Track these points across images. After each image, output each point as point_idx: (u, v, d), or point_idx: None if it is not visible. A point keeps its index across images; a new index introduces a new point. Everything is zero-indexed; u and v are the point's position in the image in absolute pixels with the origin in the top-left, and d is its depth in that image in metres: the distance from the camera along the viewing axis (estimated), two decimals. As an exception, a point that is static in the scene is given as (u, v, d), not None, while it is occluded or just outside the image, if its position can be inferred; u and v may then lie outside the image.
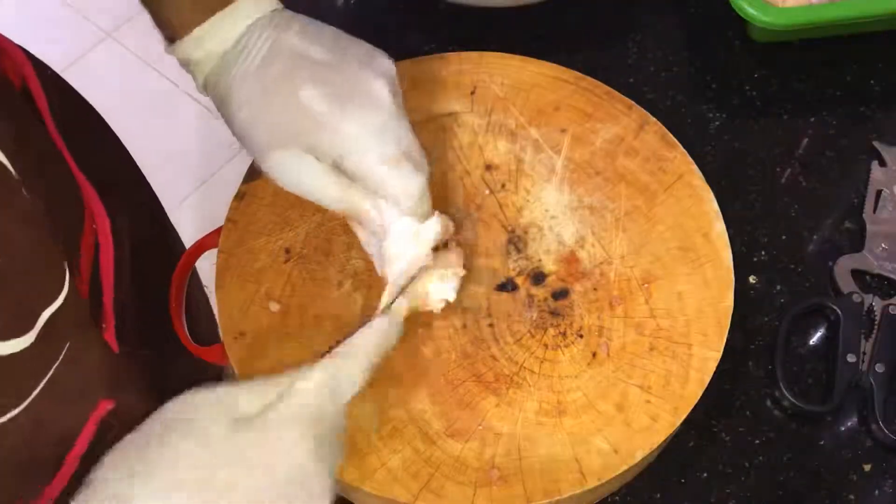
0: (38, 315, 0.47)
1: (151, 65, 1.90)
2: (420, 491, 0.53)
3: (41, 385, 0.48)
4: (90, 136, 0.71)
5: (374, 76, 0.54)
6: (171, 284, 0.64)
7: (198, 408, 0.45)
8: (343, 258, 0.61)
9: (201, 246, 0.65)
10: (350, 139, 0.52)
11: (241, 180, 0.64)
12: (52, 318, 0.48)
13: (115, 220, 0.62)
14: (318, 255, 0.61)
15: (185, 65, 0.56)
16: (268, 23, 0.55)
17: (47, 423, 0.50)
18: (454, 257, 0.58)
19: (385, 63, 0.55)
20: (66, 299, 0.49)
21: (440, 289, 0.56)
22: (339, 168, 0.53)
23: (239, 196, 0.63)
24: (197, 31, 0.54)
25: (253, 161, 0.57)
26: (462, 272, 0.58)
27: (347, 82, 0.54)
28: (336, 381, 0.48)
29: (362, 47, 0.56)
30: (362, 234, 0.58)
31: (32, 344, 0.46)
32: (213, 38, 0.55)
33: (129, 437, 0.44)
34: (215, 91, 0.56)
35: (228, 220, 0.62)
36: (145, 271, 0.67)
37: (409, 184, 0.53)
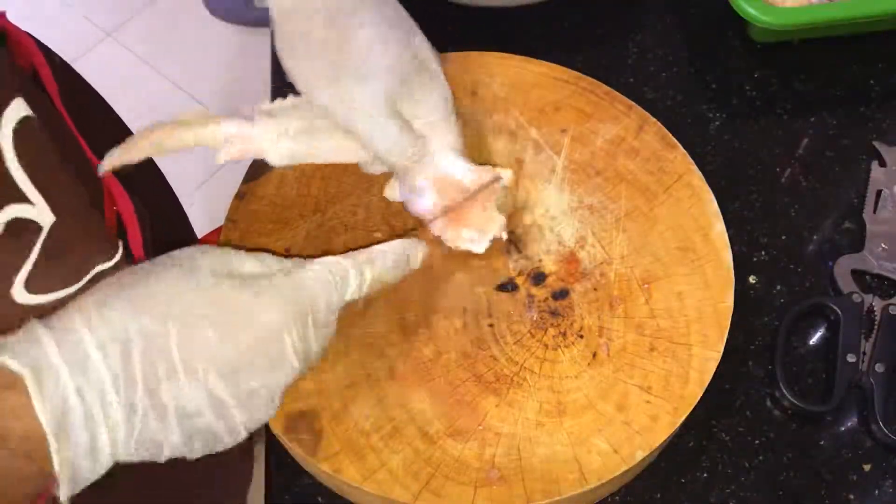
0: (91, 270, 0.48)
1: (151, 65, 1.90)
2: (420, 491, 0.53)
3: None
4: (101, 124, 0.72)
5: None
6: None
7: (202, 255, 0.46)
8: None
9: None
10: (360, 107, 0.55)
11: (241, 180, 0.64)
12: (98, 275, 0.49)
13: (137, 204, 0.63)
14: (318, 255, 0.61)
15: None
16: None
17: None
18: (498, 220, 0.59)
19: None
20: (118, 262, 0.50)
21: (472, 236, 0.58)
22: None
23: (239, 196, 0.63)
24: None
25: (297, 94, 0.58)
26: (501, 236, 0.59)
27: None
28: (337, 279, 0.49)
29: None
30: (392, 189, 0.60)
31: (76, 291, 0.48)
32: None
33: (136, 266, 0.46)
34: (303, 11, 0.56)
35: (228, 220, 0.62)
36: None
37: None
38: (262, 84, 0.82)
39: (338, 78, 0.55)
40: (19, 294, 0.47)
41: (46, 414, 0.40)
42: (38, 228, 0.47)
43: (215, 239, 0.62)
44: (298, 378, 0.47)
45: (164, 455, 0.44)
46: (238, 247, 0.50)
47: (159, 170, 0.80)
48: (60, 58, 0.66)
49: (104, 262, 0.51)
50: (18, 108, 0.49)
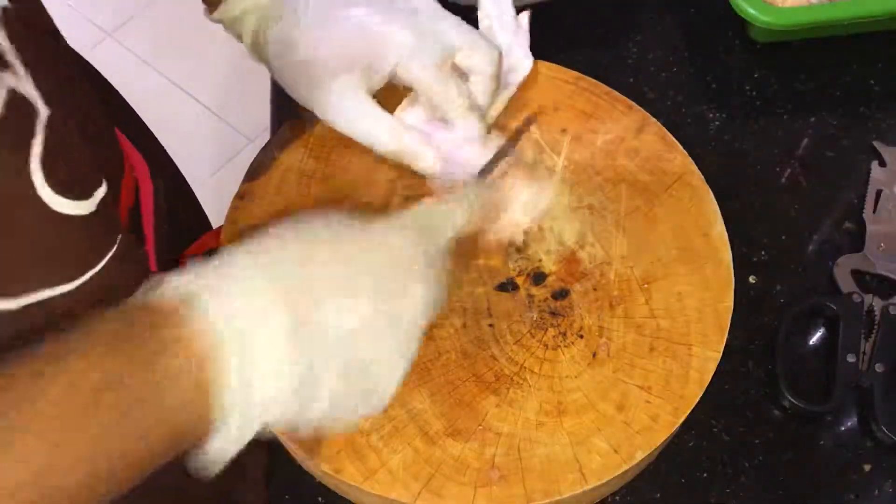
0: (93, 190, 0.48)
1: (151, 65, 1.90)
2: (420, 491, 0.53)
3: (97, 268, 0.49)
4: (116, 108, 0.72)
5: None
6: None
7: (329, 216, 0.48)
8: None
9: (201, 246, 0.65)
10: (404, 46, 0.56)
11: (241, 180, 0.64)
12: (104, 200, 0.49)
13: (152, 167, 0.63)
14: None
15: (231, 26, 0.60)
16: None
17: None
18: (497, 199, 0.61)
19: None
20: (107, 191, 0.50)
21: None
22: (397, 79, 0.57)
23: (239, 196, 0.63)
24: None
25: (303, 110, 0.60)
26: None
27: None
28: (449, 214, 0.51)
29: None
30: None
31: (92, 213, 0.47)
32: None
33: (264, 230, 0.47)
34: (264, 38, 0.59)
35: (228, 219, 0.62)
36: (180, 227, 0.68)
37: (455, 94, 0.57)
38: (262, 84, 0.82)
39: (314, 95, 0.58)
40: (43, 190, 0.45)
41: (225, 331, 0.40)
42: (35, 112, 0.45)
43: (215, 239, 0.62)
44: (433, 305, 0.48)
45: (315, 409, 0.44)
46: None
47: (171, 159, 0.80)
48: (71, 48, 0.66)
49: (98, 185, 0.49)
50: None
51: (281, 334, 0.42)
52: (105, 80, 0.73)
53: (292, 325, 0.42)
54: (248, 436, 0.42)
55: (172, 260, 0.64)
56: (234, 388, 0.40)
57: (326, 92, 0.57)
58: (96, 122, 0.56)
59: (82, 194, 0.47)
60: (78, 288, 0.48)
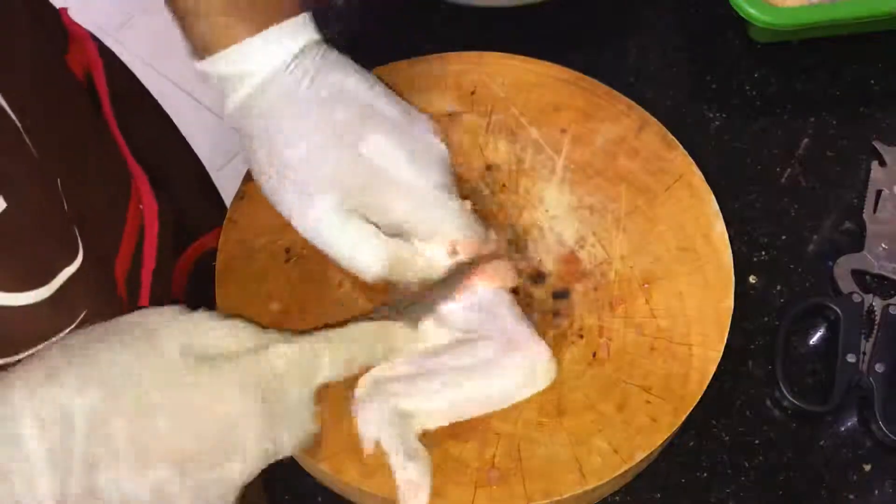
0: (56, 273, 0.46)
1: (151, 65, 1.90)
2: (420, 491, 0.53)
3: (41, 346, 0.47)
4: (146, 125, 0.70)
5: (438, 140, 0.56)
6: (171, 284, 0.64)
7: (168, 327, 0.43)
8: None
9: (201, 246, 0.65)
10: (419, 197, 0.53)
11: (241, 180, 0.64)
12: (70, 280, 0.47)
13: (162, 206, 0.62)
14: (318, 255, 0.61)
15: (214, 80, 0.54)
16: (317, 53, 0.53)
17: None
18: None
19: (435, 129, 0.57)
20: (81, 265, 0.48)
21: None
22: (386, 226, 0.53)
23: (239, 196, 0.63)
24: (236, 48, 0.52)
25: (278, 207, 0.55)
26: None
27: (416, 141, 0.54)
28: (315, 360, 0.46)
29: (416, 110, 0.57)
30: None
31: (48, 299, 0.45)
32: (255, 57, 0.52)
33: (94, 328, 0.43)
34: (250, 117, 0.54)
35: (228, 219, 0.62)
36: (186, 236, 0.67)
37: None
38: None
39: (288, 201, 0.54)
40: None
41: None
42: None
43: (215, 239, 0.62)
44: (261, 469, 0.44)
45: None
46: (214, 308, 0.47)
47: (199, 160, 0.79)
48: (120, 60, 0.66)
49: (67, 263, 0.48)
50: None
51: (49, 499, 0.38)
52: (149, 97, 0.72)
53: (61, 490, 0.38)
54: None
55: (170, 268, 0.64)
56: None
57: (312, 205, 0.53)
58: (89, 183, 0.54)
59: (39, 282, 0.45)
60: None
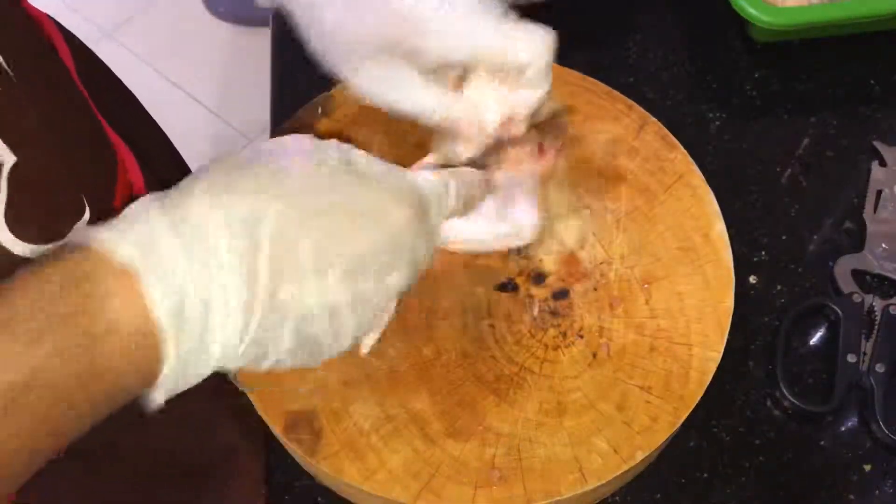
0: (68, 228, 0.46)
1: (151, 65, 1.90)
2: (420, 491, 0.53)
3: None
4: (118, 101, 0.71)
5: None
6: None
7: (328, 145, 0.43)
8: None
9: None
10: (463, 36, 0.49)
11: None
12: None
13: (147, 176, 0.62)
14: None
15: None
16: None
17: None
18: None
19: None
20: (89, 221, 0.48)
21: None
22: (441, 70, 0.50)
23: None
24: None
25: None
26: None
27: None
28: (446, 192, 0.46)
29: None
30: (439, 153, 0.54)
31: None
32: None
33: (258, 146, 0.43)
34: None
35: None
36: None
37: (537, 46, 0.51)
38: (262, 84, 0.82)
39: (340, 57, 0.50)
40: (4, 235, 0.44)
41: (162, 307, 0.36)
42: None
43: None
44: (405, 289, 0.44)
45: (265, 364, 0.41)
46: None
47: (176, 150, 0.80)
48: (80, 40, 0.66)
49: (77, 219, 0.48)
50: None
51: (238, 310, 0.38)
52: (113, 77, 0.73)
53: (248, 300, 0.38)
54: (197, 381, 0.40)
55: None
56: (177, 360, 0.38)
57: (360, 65, 0.50)
58: (79, 146, 0.54)
59: (53, 236, 0.45)
60: None
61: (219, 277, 0.38)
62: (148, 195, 0.40)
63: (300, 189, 0.40)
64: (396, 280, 0.43)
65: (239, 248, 0.38)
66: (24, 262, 0.43)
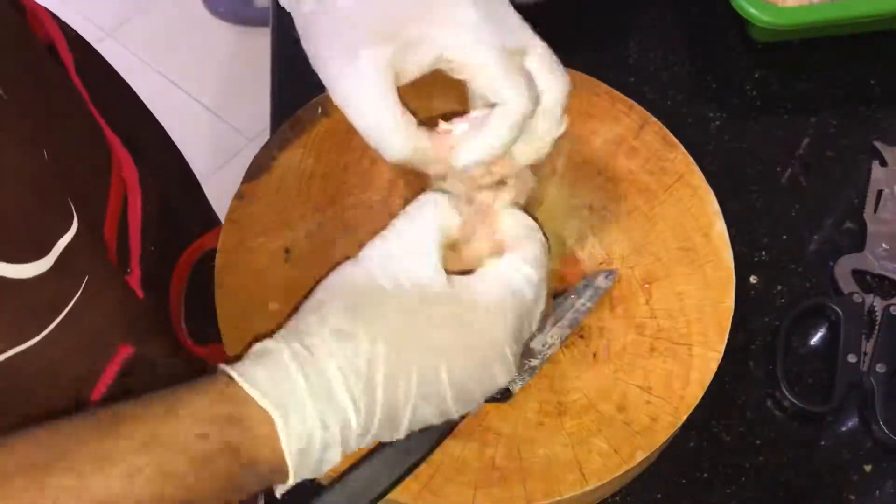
0: (53, 242, 0.47)
1: (151, 65, 1.90)
2: (420, 491, 0.53)
3: (61, 316, 0.48)
4: (117, 98, 0.71)
5: None
6: (170, 284, 0.64)
7: (433, 277, 0.47)
8: (343, 259, 0.61)
9: (201, 246, 0.65)
10: (463, 27, 0.48)
11: (240, 180, 0.64)
12: (69, 248, 0.47)
13: (143, 174, 0.62)
14: (318, 255, 0.61)
15: None
16: None
17: (66, 360, 0.50)
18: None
19: None
20: (78, 231, 0.48)
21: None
22: (440, 64, 0.50)
23: (239, 196, 0.63)
24: None
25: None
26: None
27: None
28: (537, 277, 0.49)
29: None
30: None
31: (49, 270, 0.46)
32: None
33: (360, 273, 0.48)
34: None
35: (228, 219, 0.62)
36: (177, 229, 0.67)
37: (525, 85, 0.49)
38: (262, 84, 0.82)
39: (332, 46, 0.50)
40: None
41: (291, 447, 0.43)
42: None
43: (215, 239, 0.62)
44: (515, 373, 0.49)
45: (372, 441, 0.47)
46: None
47: (175, 146, 0.79)
48: (76, 32, 0.66)
49: (64, 231, 0.48)
50: None
51: (353, 441, 0.45)
52: (111, 70, 0.73)
53: (363, 433, 0.45)
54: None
55: (167, 267, 0.63)
56: (293, 480, 0.45)
57: (347, 63, 0.49)
58: (72, 150, 0.54)
59: (36, 254, 0.46)
60: (46, 336, 0.48)
61: (340, 415, 0.44)
62: (276, 334, 0.46)
63: (406, 333, 0.46)
64: (499, 379, 0.48)
65: (355, 389, 0.44)
66: (9, 283, 0.44)
